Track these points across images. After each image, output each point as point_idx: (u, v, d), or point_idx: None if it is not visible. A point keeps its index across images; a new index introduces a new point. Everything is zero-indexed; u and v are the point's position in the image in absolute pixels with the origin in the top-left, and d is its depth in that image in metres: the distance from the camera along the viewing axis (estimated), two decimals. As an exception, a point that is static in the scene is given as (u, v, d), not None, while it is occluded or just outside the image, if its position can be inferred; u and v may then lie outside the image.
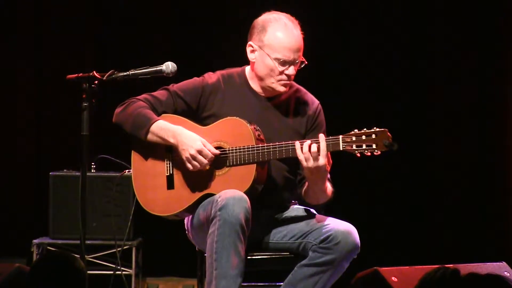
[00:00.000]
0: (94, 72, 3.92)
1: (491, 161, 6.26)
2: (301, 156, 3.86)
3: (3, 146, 6.41)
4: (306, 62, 4.08)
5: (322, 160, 3.85)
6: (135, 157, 4.16)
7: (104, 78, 3.94)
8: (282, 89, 4.09)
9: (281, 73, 4.05)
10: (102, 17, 6.43)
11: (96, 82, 3.90)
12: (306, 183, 4.03)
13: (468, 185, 6.28)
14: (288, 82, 4.08)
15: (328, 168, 3.95)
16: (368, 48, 6.35)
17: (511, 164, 6.12)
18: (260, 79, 4.11)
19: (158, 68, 4.03)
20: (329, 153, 3.89)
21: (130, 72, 4.01)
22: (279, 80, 4.07)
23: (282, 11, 4.14)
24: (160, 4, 6.42)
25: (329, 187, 4.00)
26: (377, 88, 6.35)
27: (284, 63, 4.04)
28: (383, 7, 6.33)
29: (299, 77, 4.15)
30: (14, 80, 6.40)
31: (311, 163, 3.85)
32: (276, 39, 4.04)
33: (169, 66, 4.03)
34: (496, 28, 6.19)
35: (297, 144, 3.88)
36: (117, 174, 5.20)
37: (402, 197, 6.35)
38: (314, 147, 3.84)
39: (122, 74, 4.00)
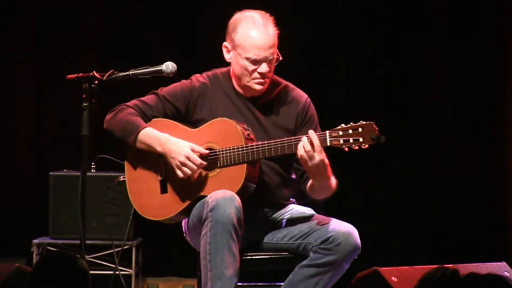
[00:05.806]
0: (94, 72, 3.93)
1: (491, 161, 6.26)
2: (303, 155, 3.81)
3: (3, 146, 6.40)
4: (281, 58, 4.04)
5: (318, 156, 3.80)
6: (128, 163, 4.15)
7: (104, 78, 3.94)
8: (258, 87, 4.05)
9: (254, 71, 4.02)
10: (102, 17, 6.43)
11: (96, 82, 3.91)
12: (310, 180, 3.99)
13: (468, 185, 6.28)
14: (263, 80, 4.04)
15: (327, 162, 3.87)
16: (367, 48, 6.35)
17: (511, 164, 6.11)
18: (238, 78, 4.09)
19: (158, 68, 4.03)
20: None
21: (130, 72, 4.01)
22: (253, 79, 4.03)
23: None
24: (160, 4, 6.41)
25: (332, 180, 3.95)
26: (378, 88, 6.34)
27: (255, 62, 4.01)
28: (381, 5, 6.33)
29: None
30: (14, 80, 6.40)
31: (309, 162, 3.81)
32: (245, 38, 4.02)
33: (169, 66, 4.03)
34: (497, 31, 6.19)
35: (298, 145, 3.83)
36: (117, 174, 5.20)
37: (402, 197, 6.34)
38: (307, 145, 3.80)
39: (122, 74, 4.00)
